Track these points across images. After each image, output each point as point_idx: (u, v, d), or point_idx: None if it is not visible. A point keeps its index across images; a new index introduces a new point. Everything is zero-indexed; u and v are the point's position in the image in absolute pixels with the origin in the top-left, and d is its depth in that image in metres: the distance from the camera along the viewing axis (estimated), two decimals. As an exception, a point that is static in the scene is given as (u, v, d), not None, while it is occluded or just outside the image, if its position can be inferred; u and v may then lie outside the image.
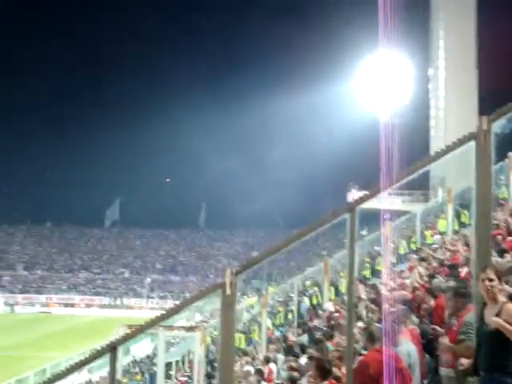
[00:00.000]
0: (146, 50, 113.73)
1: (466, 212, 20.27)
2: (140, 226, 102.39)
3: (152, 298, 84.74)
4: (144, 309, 76.68)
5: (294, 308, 25.84)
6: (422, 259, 15.10)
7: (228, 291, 5.32)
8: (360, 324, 10.33)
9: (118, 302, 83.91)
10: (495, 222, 12.52)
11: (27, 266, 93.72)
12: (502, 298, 5.62)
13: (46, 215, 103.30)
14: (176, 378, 24.25)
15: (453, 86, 50.64)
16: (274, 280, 66.35)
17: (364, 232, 28.86)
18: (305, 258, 79.73)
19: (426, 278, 12.25)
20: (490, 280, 5.58)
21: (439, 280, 10.86)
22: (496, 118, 5.20)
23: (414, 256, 17.64)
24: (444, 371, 7.42)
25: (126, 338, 6.04)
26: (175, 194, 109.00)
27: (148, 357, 37.97)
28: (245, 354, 19.56)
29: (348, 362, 6.06)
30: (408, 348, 7.72)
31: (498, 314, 5.54)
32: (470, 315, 6.54)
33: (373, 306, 11.90)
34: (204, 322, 37.41)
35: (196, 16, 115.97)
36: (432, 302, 9.97)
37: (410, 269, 15.30)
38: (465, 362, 6.30)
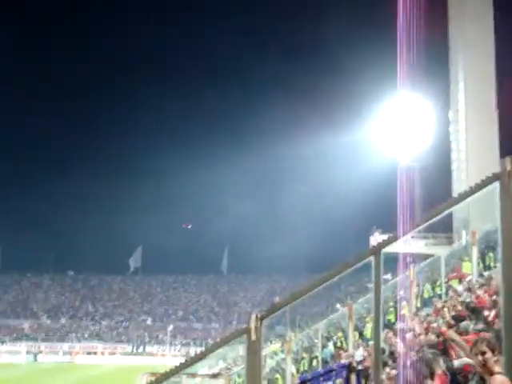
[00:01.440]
0: (161, 93, 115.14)
1: (491, 254, 20.08)
2: (162, 273, 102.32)
3: (175, 345, 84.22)
4: (166, 356, 76.16)
5: (319, 354, 25.57)
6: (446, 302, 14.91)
7: (253, 336, 5.27)
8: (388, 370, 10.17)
9: (141, 349, 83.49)
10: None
11: (50, 314, 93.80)
12: (497, 369, 5.53)
13: (68, 264, 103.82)
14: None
15: (474, 129, 50.57)
16: (298, 326, 65.72)
17: (388, 276, 28.63)
18: (328, 303, 79.08)
19: (452, 322, 12.08)
20: (483, 353, 5.53)
21: (466, 323, 10.69)
22: (520, 158, 5.18)
23: (439, 300, 17.47)
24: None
25: (150, 386, 5.99)
26: (197, 240, 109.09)
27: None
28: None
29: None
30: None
31: None
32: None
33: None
34: (228, 369, 37.04)
35: (214, 60, 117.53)
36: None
37: (436, 312, 15.10)
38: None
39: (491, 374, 5.47)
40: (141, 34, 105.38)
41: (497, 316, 9.49)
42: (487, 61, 50.73)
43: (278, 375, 29.38)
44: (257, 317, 5.34)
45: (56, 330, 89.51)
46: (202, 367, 37.04)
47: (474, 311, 10.89)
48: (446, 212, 5.89)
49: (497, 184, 5.25)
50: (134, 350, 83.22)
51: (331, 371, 10.34)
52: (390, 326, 18.47)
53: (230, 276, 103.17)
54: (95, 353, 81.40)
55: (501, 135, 49.94)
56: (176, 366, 6.03)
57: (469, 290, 15.27)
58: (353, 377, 8.94)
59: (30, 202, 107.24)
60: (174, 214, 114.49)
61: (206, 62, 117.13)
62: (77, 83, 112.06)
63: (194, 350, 63.77)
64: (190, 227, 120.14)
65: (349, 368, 9.49)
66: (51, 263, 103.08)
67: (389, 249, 5.89)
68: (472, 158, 49.45)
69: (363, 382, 10.47)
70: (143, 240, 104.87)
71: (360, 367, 10.29)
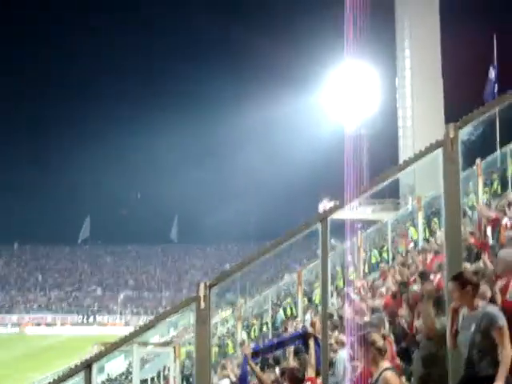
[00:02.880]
0: (121, 61, 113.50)
1: (436, 219, 20.45)
2: (111, 243, 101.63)
3: (125, 314, 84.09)
4: (117, 325, 76.04)
5: (269, 320, 25.83)
6: (393, 267, 15.18)
7: (202, 305, 5.30)
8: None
9: (91, 319, 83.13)
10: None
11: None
12: (386, 365, 5.91)
13: (14, 235, 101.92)
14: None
15: (419, 95, 51.17)
16: (248, 293, 66.23)
17: (336, 242, 28.97)
18: (278, 270, 79.75)
19: (397, 287, 12.31)
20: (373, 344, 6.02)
21: (416, 287, 10.90)
22: (463, 126, 5.26)
23: (386, 265, 17.79)
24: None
25: (100, 356, 5.99)
26: (147, 209, 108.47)
27: (123, 374, 37.62)
28: (222, 367, 19.45)
29: (324, 371, 6.08)
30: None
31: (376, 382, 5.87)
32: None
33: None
34: (178, 337, 37.20)
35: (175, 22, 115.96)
36: (404, 311, 10.02)
37: (383, 277, 15.38)
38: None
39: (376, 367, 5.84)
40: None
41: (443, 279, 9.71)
42: (433, 28, 51.25)
43: (228, 341, 29.65)
44: (205, 285, 5.37)
45: (4, 301, 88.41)
46: (154, 336, 37.15)
47: (422, 275, 11.10)
48: (392, 178, 5.98)
49: (440, 150, 5.34)
50: (85, 320, 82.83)
51: (284, 342, 10.43)
52: (338, 291, 18.77)
53: (180, 245, 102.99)
54: (45, 324, 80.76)
55: (446, 102, 50.67)
56: (126, 335, 6.04)
57: (416, 254, 15.56)
58: (311, 342, 9.04)
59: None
60: (123, 183, 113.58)
61: (155, 22, 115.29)
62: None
63: (144, 319, 63.82)
64: (139, 196, 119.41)
65: (305, 336, 9.58)
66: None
67: (337, 215, 5.96)
68: (418, 125, 50.12)
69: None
70: (92, 210, 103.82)
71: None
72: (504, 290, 7.26)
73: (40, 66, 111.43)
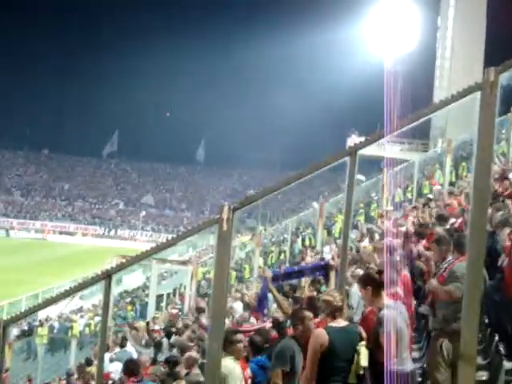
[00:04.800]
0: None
1: (464, 164, 20.30)
2: (138, 159, 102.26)
3: (146, 230, 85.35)
4: (138, 241, 77.32)
5: (287, 248, 26.11)
6: (416, 208, 15.17)
7: (225, 227, 5.34)
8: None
9: (113, 232, 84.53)
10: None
11: (23, 191, 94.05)
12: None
13: (43, 142, 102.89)
14: (167, 310, 24.62)
15: (461, 37, 50.04)
16: (269, 220, 66.75)
17: (362, 177, 28.92)
18: (300, 200, 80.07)
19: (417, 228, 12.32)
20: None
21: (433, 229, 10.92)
22: (504, 70, 5.13)
23: (409, 205, 17.74)
24: (423, 308, 7.53)
25: (120, 268, 6.10)
26: (175, 129, 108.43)
27: (140, 288, 38.45)
28: (236, 290, 19.80)
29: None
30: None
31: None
32: (459, 265, 6.56)
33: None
34: (197, 258, 37.78)
35: None
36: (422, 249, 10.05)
37: (405, 217, 15.39)
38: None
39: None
40: None
41: (464, 224, 9.69)
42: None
43: (246, 265, 30.10)
44: (229, 207, 5.39)
45: (29, 207, 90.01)
46: (173, 253, 37.80)
47: (440, 217, 11.09)
48: (424, 118, 5.89)
49: (478, 94, 5.23)
50: (106, 233, 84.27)
51: (304, 271, 10.51)
52: (358, 226, 18.82)
53: (205, 166, 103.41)
54: (67, 233, 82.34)
55: (487, 48, 49.47)
56: (146, 251, 6.13)
57: (441, 196, 15.50)
58: (332, 274, 9.15)
59: (4, 78, 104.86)
60: (154, 102, 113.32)
61: None
62: None
63: (164, 237, 64.75)
64: (168, 115, 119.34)
65: (326, 267, 9.68)
66: (27, 140, 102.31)
67: (365, 152, 5.92)
68: (456, 67, 49.15)
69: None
70: (121, 125, 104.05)
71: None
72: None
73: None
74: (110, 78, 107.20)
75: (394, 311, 5.76)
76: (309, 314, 6.82)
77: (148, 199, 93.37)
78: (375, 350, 5.68)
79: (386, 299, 5.91)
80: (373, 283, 5.90)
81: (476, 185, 4.94)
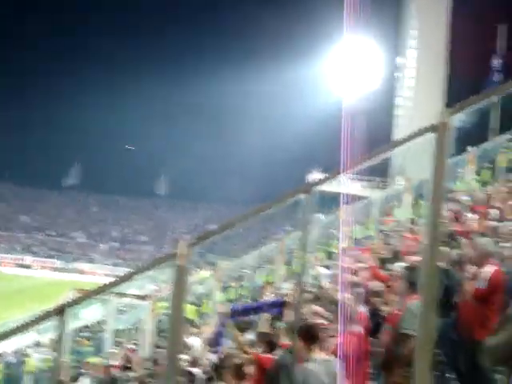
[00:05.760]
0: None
1: (422, 202, 20.53)
2: (99, 192, 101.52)
3: (106, 264, 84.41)
4: (97, 275, 76.38)
5: (247, 284, 26.02)
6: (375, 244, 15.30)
7: (181, 262, 5.32)
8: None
9: (72, 266, 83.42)
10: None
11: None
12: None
13: (2, 174, 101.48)
14: (124, 345, 24.26)
15: (421, 77, 51.01)
16: (230, 255, 66.51)
17: (321, 216, 29.08)
18: (262, 236, 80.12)
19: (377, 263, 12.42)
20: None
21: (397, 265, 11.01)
22: (457, 111, 5.24)
23: (369, 241, 17.89)
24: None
25: (75, 302, 6.03)
26: (137, 162, 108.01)
27: (99, 323, 37.85)
28: (193, 325, 19.62)
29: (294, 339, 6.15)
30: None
31: None
32: (413, 303, 6.60)
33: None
34: (156, 292, 37.37)
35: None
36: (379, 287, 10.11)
37: (365, 252, 15.49)
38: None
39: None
40: None
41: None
42: (441, 9, 50.74)
43: (205, 301, 29.88)
44: (186, 243, 5.39)
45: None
46: (132, 288, 37.34)
47: (397, 255, 11.22)
48: (383, 156, 5.98)
49: (433, 135, 5.34)
50: (65, 267, 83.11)
51: (262, 307, 10.50)
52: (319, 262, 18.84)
53: (167, 200, 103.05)
54: (25, 265, 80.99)
55: (448, 87, 50.44)
56: (104, 285, 6.08)
57: (397, 234, 15.67)
58: (288, 311, 9.15)
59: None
60: (116, 135, 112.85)
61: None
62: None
63: (125, 271, 64.07)
64: (130, 148, 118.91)
65: (283, 304, 9.70)
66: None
67: (325, 188, 5.97)
68: (416, 106, 50.01)
69: None
70: (82, 158, 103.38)
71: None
72: (474, 277, 7.37)
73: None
74: (70, 111, 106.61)
75: (319, 366, 5.56)
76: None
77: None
78: None
79: (319, 354, 5.69)
80: (306, 336, 5.69)
81: (429, 222, 5.01)
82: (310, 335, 5.65)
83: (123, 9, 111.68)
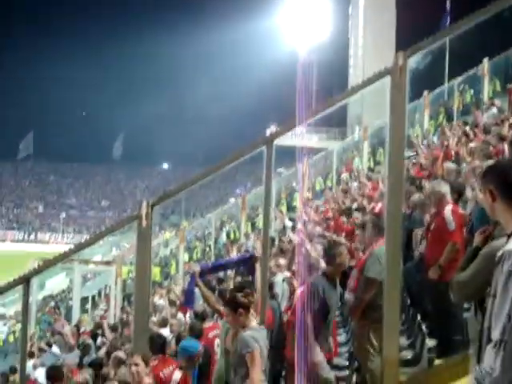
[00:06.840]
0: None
1: (381, 150, 20.68)
2: (55, 160, 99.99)
3: (68, 232, 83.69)
4: (59, 243, 75.71)
5: (212, 243, 26.06)
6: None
7: (144, 223, 5.27)
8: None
9: (33, 236, 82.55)
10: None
11: None
12: (148, 381, 5.75)
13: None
14: (92, 312, 24.25)
15: (372, 24, 50.93)
16: (192, 215, 66.50)
17: (282, 169, 29.15)
18: (223, 194, 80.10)
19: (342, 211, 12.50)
20: (136, 365, 5.72)
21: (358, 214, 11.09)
22: (412, 54, 5.22)
23: (330, 192, 17.98)
24: (348, 295, 7.50)
25: (38, 270, 5.95)
26: (92, 128, 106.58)
27: (64, 291, 37.67)
28: (160, 286, 19.66)
29: (263, 293, 6.16)
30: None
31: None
32: (377, 249, 6.60)
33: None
34: (120, 257, 37.24)
35: None
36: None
37: (326, 203, 15.60)
38: None
39: None
40: None
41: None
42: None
43: (172, 262, 29.89)
44: (148, 203, 5.33)
45: None
46: (96, 254, 37.16)
47: (359, 203, 11.29)
48: (339, 105, 5.95)
49: (388, 79, 5.30)
50: (26, 237, 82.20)
51: (230, 264, 10.48)
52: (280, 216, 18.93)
53: (124, 164, 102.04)
54: (-15, 239, 79.91)
55: (398, 34, 50.51)
56: (66, 251, 6.00)
57: (358, 182, 15.76)
58: (257, 266, 9.13)
59: None
60: (69, 101, 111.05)
61: None
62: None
63: (86, 238, 63.64)
64: (84, 114, 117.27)
65: (250, 259, 9.68)
66: None
67: (283, 142, 5.92)
68: (369, 54, 50.03)
69: None
70: (35, 126, 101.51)
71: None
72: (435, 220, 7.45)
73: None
74: (22, 81, 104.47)
75: (257, 333, 5.49)
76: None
77: None
78: None
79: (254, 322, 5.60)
80: (237, 306, 5.58)
81: (390, 169, 5.02)
82: (236, 305, 5.48)
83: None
